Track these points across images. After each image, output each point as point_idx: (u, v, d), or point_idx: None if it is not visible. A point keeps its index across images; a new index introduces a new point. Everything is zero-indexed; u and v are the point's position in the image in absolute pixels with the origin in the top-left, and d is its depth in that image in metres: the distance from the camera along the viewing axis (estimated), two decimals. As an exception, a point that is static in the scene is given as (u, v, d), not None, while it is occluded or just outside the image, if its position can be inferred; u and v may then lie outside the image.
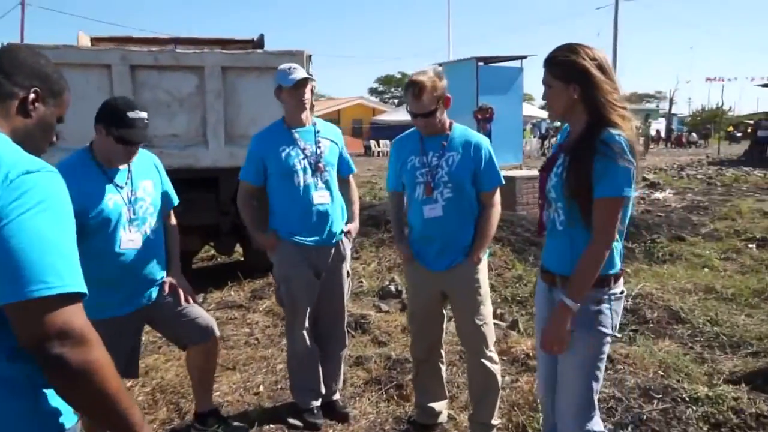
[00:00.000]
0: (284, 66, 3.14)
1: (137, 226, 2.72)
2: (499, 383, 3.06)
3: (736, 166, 19.34)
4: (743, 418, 3.08)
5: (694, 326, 4.61)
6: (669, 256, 6.76)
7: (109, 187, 2.65)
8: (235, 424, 3.19)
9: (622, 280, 2.22)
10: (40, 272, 1.13)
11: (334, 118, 31.20)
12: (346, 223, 3.34)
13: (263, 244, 3.25)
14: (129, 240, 2.69)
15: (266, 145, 3.16)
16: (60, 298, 1.15)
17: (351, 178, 3.46)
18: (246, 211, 3.25)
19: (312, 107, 3.51)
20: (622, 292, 2.21)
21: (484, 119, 14.32)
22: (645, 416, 3.13)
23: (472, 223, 2.93)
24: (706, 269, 6.35)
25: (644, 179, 14.20)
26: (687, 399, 3.27)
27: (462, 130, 2.97)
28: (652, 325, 4.65)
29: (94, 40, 6.67)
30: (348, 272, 3.36)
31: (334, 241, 3.23)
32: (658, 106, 59.47)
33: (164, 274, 2.89)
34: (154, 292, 2.84)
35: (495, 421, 3.06)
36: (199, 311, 2.97)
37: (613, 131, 2.00)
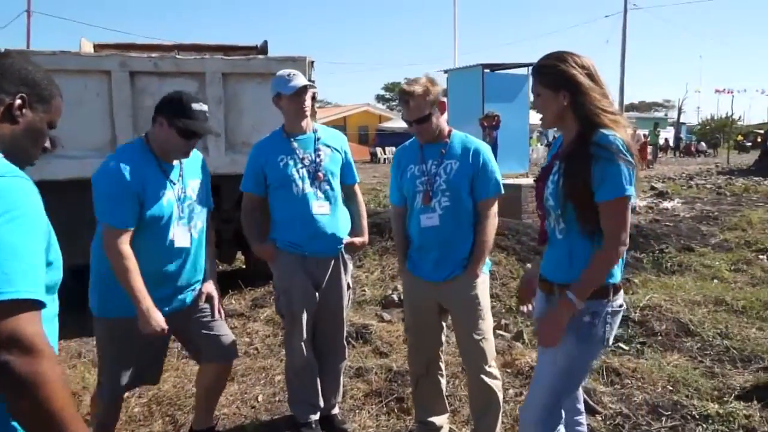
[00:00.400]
0: (282, 72, 3.07)
1: (184, 225, 2.68)
2: (500, 399, 2.97)
3: (746, 175, 19.16)
4: (755, 436, 2.98)
5: (703, 339, 4.51)
6: (678, 266, 6.66)
7: (164, 182, 2.62)
8: None
9: (621, 292, 2.17)
10: None
11: (340, 125, 31.24)
12: (352, 236, 3.26)
13: (262, 254, 3.18)
14: (179, 238, 2.65)
15: (265, 155, 3.10)
16: (10, 304, 1.11)
17: (356, 188, 3.37)
18: (246, 221, 3.19)
19: (314, 113, 3.44)
20: (620, 306, 2.15)
21: (490, 126, 14.23)
22: (653, 434, 3.03)
23: (470, 234, 2.85)
24: (715, 280, 6.24)
25: (653, 188, 14.09)
26: (697, 416, 3.18)
27: (461, 137, 2.90)
28: (660, 338, 4.55)
29: (97, 47, 6.67)
30: (348, 284, 3.28)
31: (334, 252, 3.15)
32: (666, 115, 59.27)
33: (201, 279, 2.84)
34: (189, 297, 2.79)
35: None
36: (225, 329, 2.91)
37: (607, 132, 1.98)
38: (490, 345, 2.90)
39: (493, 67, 16.99)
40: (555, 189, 2.09)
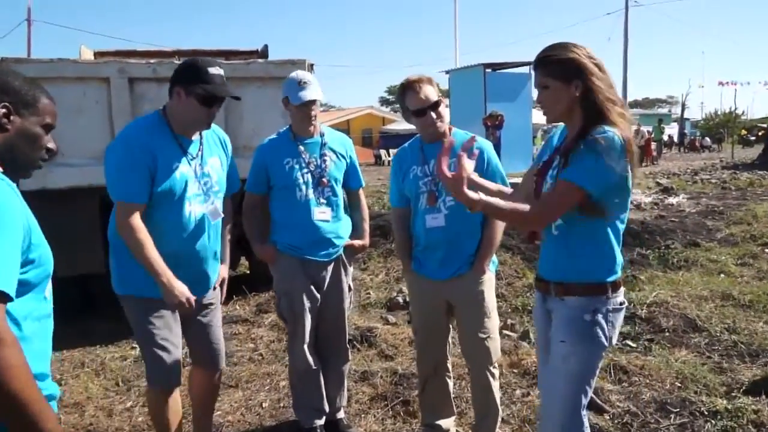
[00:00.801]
0: (294, 76, 3.00)
1: (201, 203, 2.59)
2: (498, 400, 2.96)
3: (750, 170, 19.01)
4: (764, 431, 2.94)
5: (711, 334, 4.47)
6: (684, 262, 6.60)
7: (179, 156, 2.53)
8: None
9: (622, 289, 2.09)
10: None
11: (343, 128, 31.18)
12: (353, 238, 3.24)
13: (262, 255, 3.16)
14: (194, 215, 2.57)
15: (271, 156, 3.07)
16: None
17: (361, 192, 3.34)
18: (248, 222, 3.16)
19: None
20: (621, 304, 2.08)
21: (493, 126, 14.21)
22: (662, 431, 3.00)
23: (477, 232, 2.83)
24: (722, 275, 6.19)
25: (658, 184, 14.02)
26: (705, 413, 3.14)
27: (463, 135, 2.88)
28: (668, 334, 4.52)
29: (97, 54, 6.68)
30: (350, 286, 3.27)
31: (333, 257, 3.13)
32: (670, 111, 59.02)
33: (219, 266, 2.80)
34: (206, 285, 2.71)
35: None
36: (219, 336, 2.86)
37: (607, 128, 1.91)
38: (495, 344, 2.88)
39: (495, 66, 17.00)
40: (554, 184, 2.03)
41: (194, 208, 2.57)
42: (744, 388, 3.41)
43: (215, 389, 3.01)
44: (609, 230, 2.02)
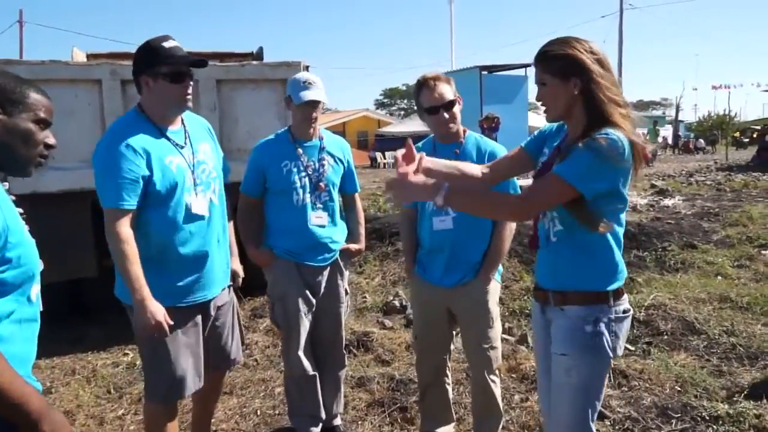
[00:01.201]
0: (300, 76, 2.95)
1: (202, 192, 2.49)
2: (500, 406, 2.91)
3: (744, 171, 19.09)
4: (766, 437, 2.91)
5: (709, 337, 4.44)
6: (681, 264, 6.58)
7: (169, 148, 2.42)
8: None
9: (625, 297, 1.98)
10: None
11: (339, 130, 31.15)
12: (349, 242, 3.19)
13: (257, 260, 3.09)
14: (197, 206, 2.46)
15: (269, 158, 3.00)
16: None
17: (357, 197, 3.29)
18: (243, 224, 3.07)
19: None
20: (625, 312, 1.97)
21: (489, 128, 14.15)
22: (663, 437, 2.96)
23: (484, 239, 2.77)
24: (719, 277, 6.17)
25: (653, 186, 14.03)
26: (707, 417, 3.10)
27: (476, 138, 2.84)
28: (666, 337, 4.49)
29: (90, 56, 6.61)
30: (346, 290, 3.21)
31: (329, 261, 3.08)
32: (664, 113, 59.25)
33: (229, 260, 2.71)
34: (220, 284, 2.61)
35: None
36: (229, 338, 2.76)
37: (611, 130, 1.80)
38: (497, 353, 2.84)
39: (491, 68, 16.97)
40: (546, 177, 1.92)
41: (196, 200, 2.46)
42: (745, 392, 3.37)
43: (218, 391, 2.96)
44: (609, 236, 1.93)
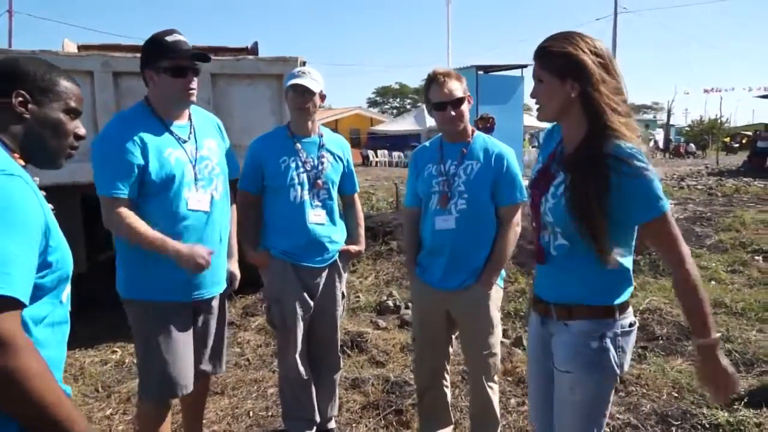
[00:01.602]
0: (296, 69, 2.92)
1: (203, 187, 2.47)
2: (498, 413, 2.86)
3: (735, 176, 19.24)
4: (768, 446, 2.88)
5: (705, 343, 4.40)
6: (675, 268, 6.56)
7: (171, 141, 2.42)
8: None
9: (630, 309, 1.88)
10: None
11: (331, 128, 30.90)
12: (348, 243, 3.11)
13: (255, 261, 3.00)
14: (196, 201, 2.44)
15: (266, 153, 2.93)
16: None
17: (356, 197, 3.22)
18: (242, 224, 2.95)
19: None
20: (631, 325, 1.86)
21: (485, 129, 14.12)
22: (663, 445, 2.92)
23: (487, 243, 2.70)
24: (713, 282, 6.18)
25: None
26: (707, 425, 3.07)
27: (484, 139, 2.77)
28: (662, 342, 4.46)
29: (81, 48, 6.49)
30: (343, 293, 3.13)
31: (328, 262, 3.00)
32: (655, 117, 59.56)
33: (227, 262, 2.68)
34: (217, 284, 2.58)
35: None
36: (223, 339, 2.76)
37: (622, 144, 1.69)
38: (496, 360, 2.79)
39: (487, 68, 16.92)
40: (558, 205, 1.80)
41: (195, 195, 2.44)
42: (744, 400, 3.34)
43: (206, 391, 2.90)
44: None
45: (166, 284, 2.40)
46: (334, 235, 3.00)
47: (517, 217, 2.74)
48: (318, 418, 3.09)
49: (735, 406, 3.32)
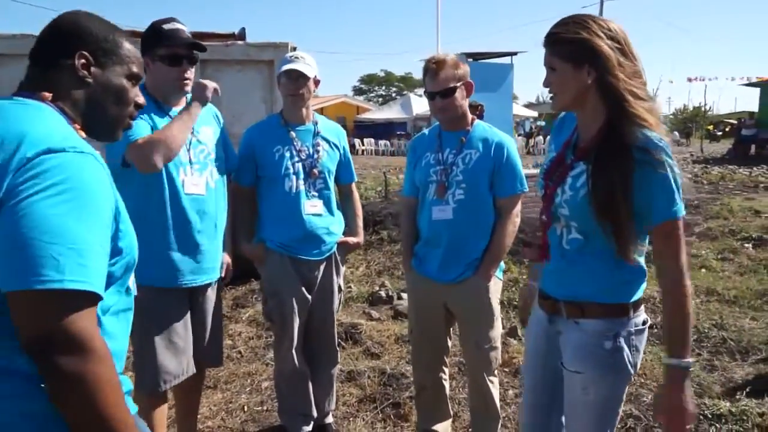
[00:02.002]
0: (289, 54, 2.85)
1: (198, 171, 2.46)
2: (498, 409, 2.82)
3: (720, 164, 19.42)
4: (771, 436, 2.86)
5: (699, 331, 4.43)
6: (666, 256, 6.57)
7: (165, 121, 2.40)
8: None
9: (642, 306, 1.78)
10: (36, 264, 0.97)
11: (317, 117, 30.80)
12: (346, 235, 3.03)
13: (250, 255, 2.91)
14: (192, 184, 2.43)
15: (259, 142, 2.83)
16: (59, 295, 0.98)
17: (353, 187, 3.13)
18: (234, 215, 2.83)
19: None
20: (644, 323, 1.77)
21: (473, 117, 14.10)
22: (666, 436, 2.89)
23: (485, 235, 2.63)
24: (704, 270, 6.22)
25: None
26: (709, 416, 3.05)
27: (484, 128, 2.69)
28: (656, 330, 4.43)
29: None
30: (340, 286, 3.05)
31: (326, 255, 2.91)
32: (639, 105, 59.82)
33: (222, 250, 2.63)
34: (212, 270, 2.55)
35: None
36: (219, 332, 2.73)
37: (649, 133, 1.59)
38: (496, 354, 2.73)
39: (476, 56, 16.85)
40: (575, 197, 1.70)
41: (191, 178, 2.43)
42: (747, 389, 3.33)
43: (200, 386, 2.85)
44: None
45: (157, 269, 2.36)
46: (331, 226, 2.91)
47: (517, 208, 2.68)
48: (315, 413, 3.02)
49: (737, 396, 3.31)
